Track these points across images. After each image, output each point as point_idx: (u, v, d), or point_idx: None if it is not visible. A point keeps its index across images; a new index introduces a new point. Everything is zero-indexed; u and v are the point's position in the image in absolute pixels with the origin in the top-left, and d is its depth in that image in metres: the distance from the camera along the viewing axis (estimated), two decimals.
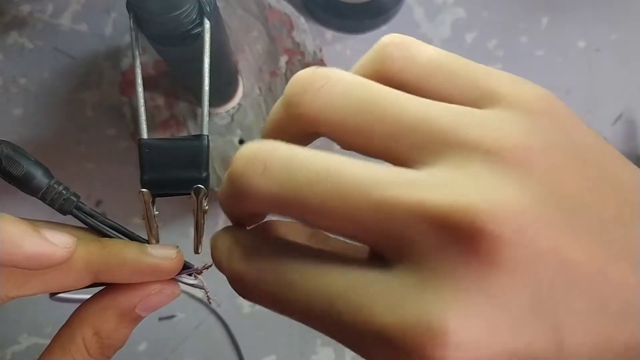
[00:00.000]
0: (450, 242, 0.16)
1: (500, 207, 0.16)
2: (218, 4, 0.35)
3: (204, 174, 0.26)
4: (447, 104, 0.18)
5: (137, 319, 0.26)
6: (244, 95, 0.50)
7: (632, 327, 0.17)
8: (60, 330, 0.26)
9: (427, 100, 0.19)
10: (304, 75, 0.19)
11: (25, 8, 0.55)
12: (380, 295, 0.17)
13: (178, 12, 0.31)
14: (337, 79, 0.19)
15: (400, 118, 0.18)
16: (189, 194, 0.26)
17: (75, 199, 0.26)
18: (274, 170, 0.18)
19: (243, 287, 0.20)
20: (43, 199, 0.25)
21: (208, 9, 0.31)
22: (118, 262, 0.25)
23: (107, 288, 0.26)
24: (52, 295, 0.26)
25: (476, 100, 0.19)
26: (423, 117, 0.18)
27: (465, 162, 0.17)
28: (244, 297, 0.20)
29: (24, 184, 0.25)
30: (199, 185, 0.26)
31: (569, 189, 0.17)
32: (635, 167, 0.19)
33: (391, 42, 0.20)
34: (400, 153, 0.18)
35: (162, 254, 0.25)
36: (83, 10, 0.55)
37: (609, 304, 0.17)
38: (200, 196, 0.26)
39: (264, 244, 0.20)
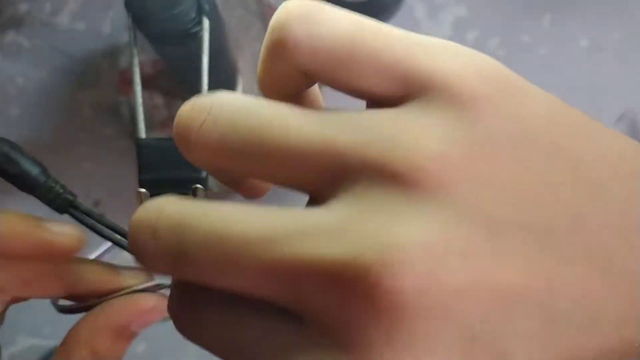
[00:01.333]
0: (350, 300, 0.14)
1: (397, 253, 0.14)
2: (217, 2, 0.35)
3: (203, 174, 0.26)
4: (349, 114, 0.16)
5: (133, 335, 0.25)
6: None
7: (603, 332, 0.16)
8: (57, 349, 0.25)
9: (324, 113, 0.16)
10: (183, 113, 0.18)
11: (23, 7, 0.55)
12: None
13: (177, 11, 0.30)
14: (217, 111, 0.17)
15: (287, 147, 0.16)
16: (188, 194, 0.26)
17: (72, 198, 0.25)
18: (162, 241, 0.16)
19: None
20: (39, 197, 0.25)
21: (207, 8, 0.31)
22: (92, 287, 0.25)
23: (100, 306, 0.25)
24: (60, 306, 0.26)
25: (401, 90, 0.16)
26: (316, 139, 0.16)
27: (368, 191, 0.15)
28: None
29: (21, 182, 0.24)
30: (198, 185, 0.26)
31: (496, 201, 0.15)
32: (613, 133, 0.17)
33: (292, 15, 0.17)
34: (302, 184, 0.16)
35: (139, 281, 0.25)
36: (81, 8, 0.55)
37: (566, 316, 0.15)
38: (199, 196, 0.26)
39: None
